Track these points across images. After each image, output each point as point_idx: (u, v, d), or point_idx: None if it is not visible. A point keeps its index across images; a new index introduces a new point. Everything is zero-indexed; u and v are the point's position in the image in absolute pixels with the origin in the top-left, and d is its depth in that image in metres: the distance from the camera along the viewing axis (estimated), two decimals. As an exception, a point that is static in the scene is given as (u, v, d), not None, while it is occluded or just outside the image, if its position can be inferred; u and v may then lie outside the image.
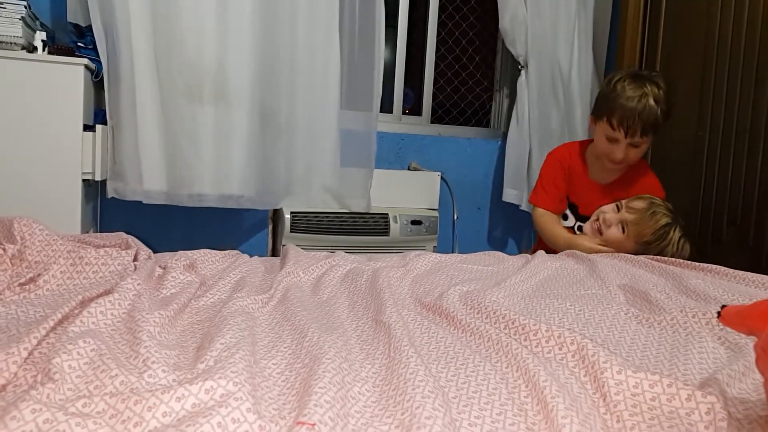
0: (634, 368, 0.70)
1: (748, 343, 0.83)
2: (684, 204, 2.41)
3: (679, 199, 2.44)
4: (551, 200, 1.95)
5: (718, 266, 1.31)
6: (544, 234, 1.93)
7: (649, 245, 1.63)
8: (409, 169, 2.75)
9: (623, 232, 1.66)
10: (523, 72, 2.72)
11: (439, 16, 2.89)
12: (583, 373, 0.73)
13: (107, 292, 0.92)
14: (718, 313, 0.69)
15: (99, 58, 2.02)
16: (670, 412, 0.64)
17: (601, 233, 1.70)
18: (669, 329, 0.90)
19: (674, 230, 1.64)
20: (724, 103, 2.26)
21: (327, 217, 2.40)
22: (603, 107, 1.78)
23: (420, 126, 2.89)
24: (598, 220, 1.73)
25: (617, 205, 1.71)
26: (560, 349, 0.80)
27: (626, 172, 1.91)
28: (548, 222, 1.93)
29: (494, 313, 0.94)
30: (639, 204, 1.67)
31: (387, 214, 2.47)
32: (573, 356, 0.77)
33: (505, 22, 2.68)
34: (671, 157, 2.51)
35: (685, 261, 1.42)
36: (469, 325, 0.90)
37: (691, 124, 2.40)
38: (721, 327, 0.91)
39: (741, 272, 1.24)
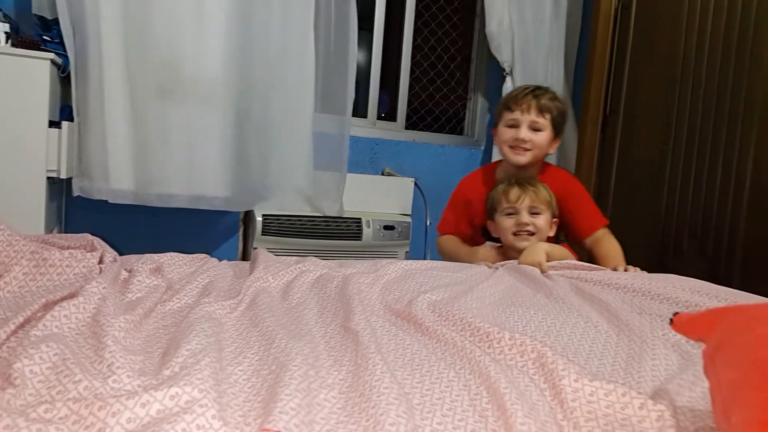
0: (590, 376, 0.72)
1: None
2: (647, 215, 2.48)
3: (643, 211, 2.51)
4: (452, 226, 1.97)
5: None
6: (446, 254, 1.93)
7: (553, 210, 1.72)
8: (383, 174, 2.77)
9: (538, 214, 1.69)
10: (508, 78, 2.76)
11: (415, 23, 2.92)
12: (543, 380, 0.75)
13: (71, 296, 0.91)
14: (671, 320, 0.72)
15: (66, 52, 1.97)
16: (623, 419, 0.66)
17: (532, 233, 1.69)
18: (625, 337, 0.92)
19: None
20: (687, 118, 2.33)
21: (299, 220, 2.40)
22: (500, 106, 1.86)
23: (394, 131, 2.91)
24: (519, 230, 1.71)
25: (513, 210, 1.71)
26: (522, 356, 0.82)
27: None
28: (448, 241, 1.96)
29: (461, 321, 0.95)
30: (517, 191, 1.70)
31: (360, 218, 2.48)
32: (533, 364, 0.79)
33: (491, 26, 2.71)
34: (636, 170, 2.58)
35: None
36: (435, 332, 0.91)
37: (657, 138, 2.47)
38: (674, 333, 0.94)
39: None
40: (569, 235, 1.88)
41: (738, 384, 0.54)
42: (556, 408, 0.70)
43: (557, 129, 1.81)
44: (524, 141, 1.75)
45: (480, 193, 1.89)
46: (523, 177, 1.76)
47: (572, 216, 1.80)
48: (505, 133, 1.79)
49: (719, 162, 2.18)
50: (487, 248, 1.82)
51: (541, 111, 1.75)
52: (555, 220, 1.75)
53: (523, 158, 1.76)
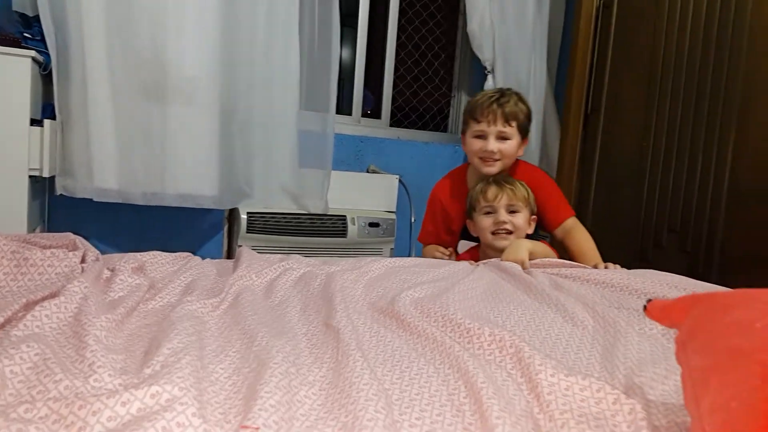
0: (567, 371, 0.74)
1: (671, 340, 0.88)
2: (628, 211, 2.52)
3: (624, 207, 2.54)
4: (434, 237, 2.00)
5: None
6: None
7: (531, 208, 1.74)
8: (367, 172, 2.78)
9: (516, 212, 1.70)
10: (489, 77, 2.78)
11: (399, 20, 2.92)
12: (520, 375, 0.77)
13: (53, 295, 0.91)
14: (644, 307, 0.73)
15: (47, 50, 1.96)
16: (597, 413, 0.68)
17: (510, 232, 1.71)
18: (601, 332, 0.94)
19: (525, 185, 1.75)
20: (666, 116, 2.36)
21: (284, 218, 2.40)
22: (467, 114, 1.86)
23: (379, 129, 2.92)
24: (497, 228, 1.72)
25: (491, 209, 1.72)
26: (500, 352, 0.84)
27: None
28: (430, 252, 1.99)
29: (443, 317, 0.97)
30: (494, 190, 1.71)
31: (345, 215, 2.49)
32: (511, 359, 0.81)
33: (473, 25, 2.73)
34: (618, 167, 2.62)
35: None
36: (417, 329, 0.93)
37: (637, 135, 2.50)
38: (650, 327, 0.97)
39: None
40: (540, 229, 1.91)
41: (708, 370, 0.55)
42: (533, 402, 0.71)
43: (524, 132, 1.83)
44: (493, 153, 1.77)
45: (453, 199, 1.92)
46: (500, 176, 1.78)
47: (541, 208, 1.82)
48: (473, 144, 1.81)
49: (699, 159, 2.21)
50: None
51: (507, 120, 1.76)
52: (533, 217, 1.76)
53: (494, 169, 1.79)
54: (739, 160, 2.07)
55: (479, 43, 2.74)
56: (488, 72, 2.79)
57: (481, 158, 1.80)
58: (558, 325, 0.99)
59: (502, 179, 1.74)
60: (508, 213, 1.70)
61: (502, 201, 1.69)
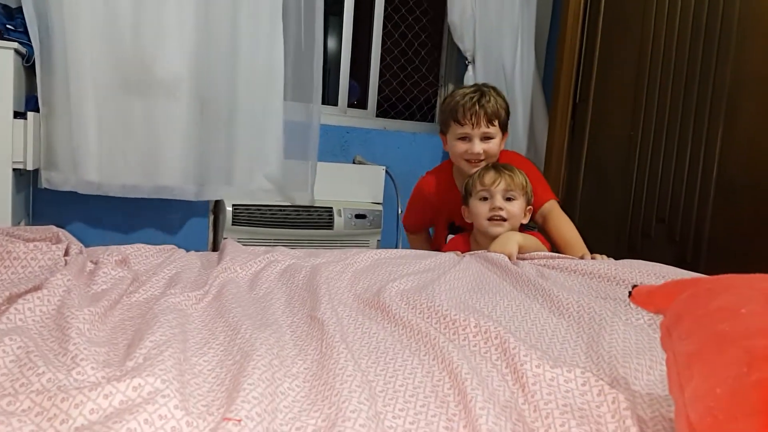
0: (552, 362, 0.74)
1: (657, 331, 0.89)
2: (616, 200, 2.54)
3: (613, 197, 2.56)
4: (418, 226, 2.04)
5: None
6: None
7: (528, 197, 1.71)
8: (354, 163, 2.77)
9: (513, 199, 1.68)
10: (470, 67, 2.78)
11: (385, 9, 2.91)
12: (504, 365, 0.77)
13: (36, 288, 0.91)
14: (630, 292, 0.74)
15: (30, 41, 1.94)
16: (582, 404, 0.68)
17: (504, 219, 1.68)
18: (587, 322, 0.95)
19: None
20: (655, 105, 2.38)
21: (270, 210, 2.39)
22: (447, 114, 1.83)
23: (365, 119, 2.91)
24: (493, 215, 1.69)
25: (487, 194, 1.70)
26: (485, 343, 0.84)
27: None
28: (415, 242, 2.04)
29: (428, 308, 0.97)
30: (492, 175, 1.68)
31: (331, 207, 2.48)
32: (496, 350, 0.81)
33: (453, 16, 2.72)
34: (606, 157, 2.63)
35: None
36: (402, 320, 0.93)
37: (625, 124, 2.51)
38: (637, 318, 0.97)
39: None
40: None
41: (693, 356, 0.55)
42: (518, 393, 0.71)
43: (505, 127, 1.83)
44: (479, 155, 1.77)
45: (440, 196, 1.92)
46: (498, 163, 1.77)
47: None
48: (457, 146, 1.80)
49: (687, 149, 2.23)
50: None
51: (490, 120, 1.76)
52: (529, 207, 1.75)
53: (480, 168, 1.78)
54: (728, 149, 2.08)
55: (460, 33, 2.74)
56: (468, 63, 2.79)
57: (467, 160, 1.79)
58: (543, 316, 0.99)
59: (501, 166, 1.72)
60: (505, 200, 1.68)
61: (500, 186, 1.67)
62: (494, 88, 1.84)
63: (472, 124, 1.75)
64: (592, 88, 2.70)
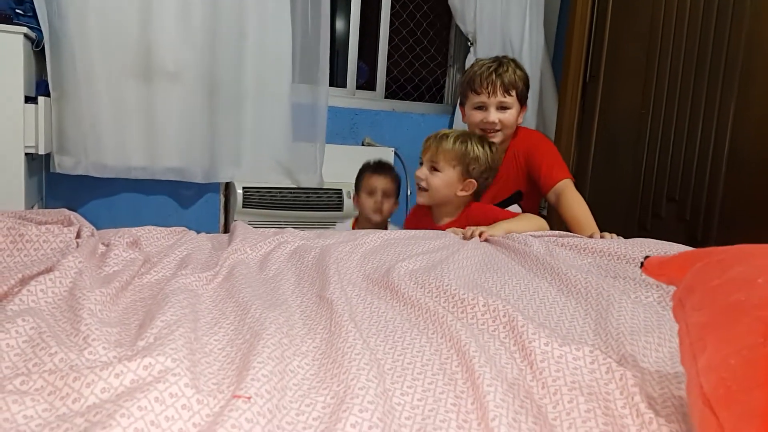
0: (560, 340, 0.74)
1: (666, 308, 0.88)
2: (627, 179, 2.51)
3: (623, 175, 2.54)
4: None
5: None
6: None
7: (466, 167, 1.65)
8: (363, 145, 2.76)
9: (437, 171, 1.65)
10: (472, 48, 2.75)
11: (394, -11, 2.88)
12: (512, 343, 0.77)
13: (48, 270, 0.92)
14: (642, 263, 0.73)
15: (39, 26, 1.94)
16: (590, 382, 0.68)
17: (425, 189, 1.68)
18: (595, 300, 0.95)
19: (471, 142, 1.65)
20: (666, 82, 2.34)
21: (280, 192, 2.39)
22: (465, 86, 1.85)
23: (374, 101, 2.90)
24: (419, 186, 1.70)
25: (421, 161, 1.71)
26: (494, 321, 0.84)
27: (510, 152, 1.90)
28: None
29: (437, 288, 0.97)
30: (425, 145, 1.69)
31: (341, 189, 2.48)
32: (504, 328, 0.82)
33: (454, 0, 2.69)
34: (616, 135, 2.60)
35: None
36: (411, 299, 0.93)
37: (636, 102, 2.48)
38: (646, 296, 0.97)
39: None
40: (538, 191, 1.88)
41: (707, 327, 0.54)
42: (526, 370, 0.72)
43: (523, 100, 1.83)
44: (494, 124, 1.78)
45: None
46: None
47: (536, 170, 1.82)
48: (474, 116, 1.82)
49: (698, 126, 2.20)
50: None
51: (506, 90, 1.77)
52: (469, 180, 1.66)
53: (495, 139, 1.79)
54: (740, 126, 2.05)
55: (461, 15, 2.71)
56: (471, 43, 2.76)
57: (482, 130, 1.80)
58: (552, 295, 0.99)
59: (445, 133, 1.69)
60: (430, 170, 1.67)
61: (426, 156, 1.68)
62: (514, 60, 1.85)
63: (488, 93, 1.77)
64: (603, 65, 2.66)
